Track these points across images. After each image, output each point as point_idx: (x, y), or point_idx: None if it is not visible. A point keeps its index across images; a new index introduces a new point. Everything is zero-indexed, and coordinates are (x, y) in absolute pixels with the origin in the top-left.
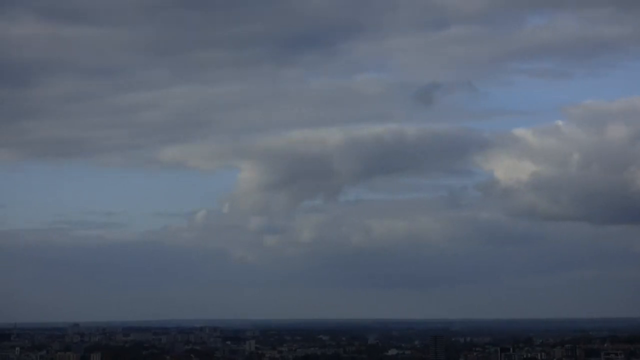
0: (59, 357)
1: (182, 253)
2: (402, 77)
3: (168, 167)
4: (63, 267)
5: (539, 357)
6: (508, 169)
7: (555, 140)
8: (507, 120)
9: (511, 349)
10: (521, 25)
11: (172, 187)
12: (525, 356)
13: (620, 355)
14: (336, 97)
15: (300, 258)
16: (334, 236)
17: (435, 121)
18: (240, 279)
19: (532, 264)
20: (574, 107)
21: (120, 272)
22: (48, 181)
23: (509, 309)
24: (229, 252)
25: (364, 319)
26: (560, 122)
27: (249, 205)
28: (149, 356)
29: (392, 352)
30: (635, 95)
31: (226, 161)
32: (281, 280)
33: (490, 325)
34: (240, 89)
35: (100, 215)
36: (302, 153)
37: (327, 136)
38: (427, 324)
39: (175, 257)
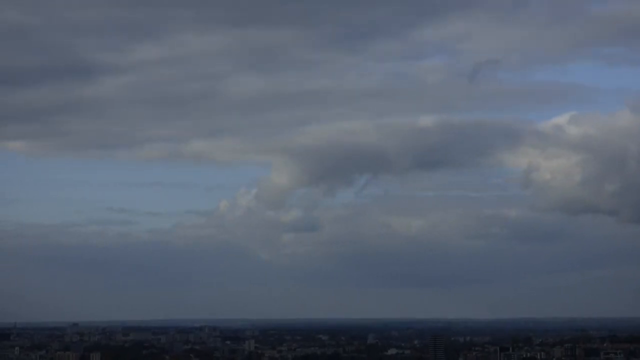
0: (59, 356)
1: (183, 253)
2: (466, 63)
3: (197, 162)
4: (63, 267)
5: (539, 357)
6: (550, 162)
7: (610, 131)
8: (565, 108)
9: (510, 349)
10: (599, 7)
11: (195, 182)
12: (524, 356)
13: (620, 354)
14: (395, 85)
15: (302, 258)
16: (344, 235)
17: (491, 111)
18: (240, 278)
19: (542, 263)
20: (637, 96)
21: (120, 271)
22: (71, 176)
23: (509, 309)
24: (231, 251)
25: (363, 319)
26: (618, 112)
27: (261, 204)
28: (148, 356)
29: (392, 351)
30: None
31: (259, 155)
32: (281, 280)
33: (489, 325)
34: (299, 78)
35: (114, 212)
36: (339, 146)
37: (370, 128)
38: (427, 324)
39: (175, 257)
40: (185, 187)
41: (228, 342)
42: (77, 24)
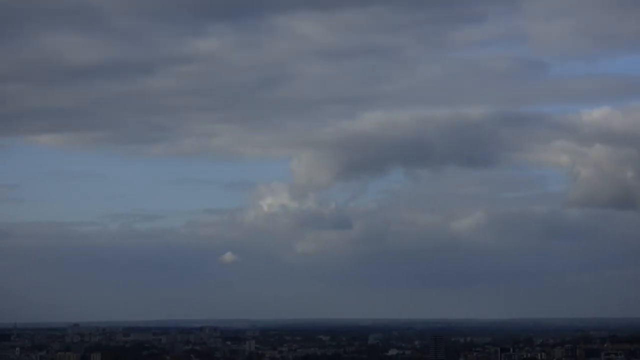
0: (59, 357)
1: (185, 252)
2: (532, 51)
3: (231, 157)
4: (63, 267)
5: (539, 357)
6: (587, 157)
7: None
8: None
9: (511, 349)
10: None
11: (224, 179)
12: (525, 356)
13: (620, 355)
14: (452, 74)
15: (307, 258)
16: (358, 233)
17: (554, 103)
18: (240, 278)
19: (556, 262)
20: None
21: (120, 271)
22: (98, 172)
23: (509, 309)
24: (235, 251)
25: (364, 319)
26: None
27: (277, 201)
28: (149, 356)
29: (392, 352)
30: None
31: (294, 150)
32: (281, 280)
33: (490, 325)
34: (367, 64)
35: (131, 210)
36: (375, 140)
37: (415, 120)
38: (428, 324)
39: (178, 257)
40: (213, 183)
41: (229, 342)
42: (148, 6)
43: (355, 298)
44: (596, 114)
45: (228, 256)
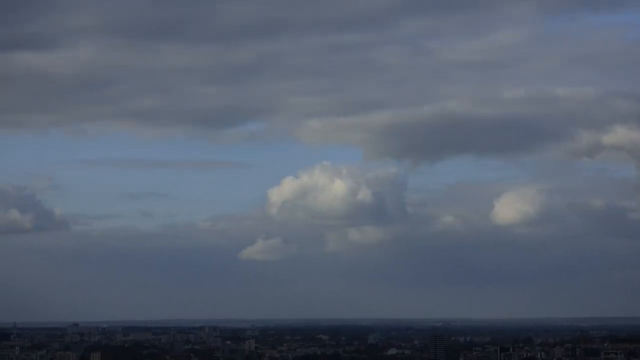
0: (59, 356)
1: (183, 252)
2: None
3: (290, 143)
4: (62, 266)
5: (539, 357)
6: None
7: None
8: None
9: (511, 349)
10: None
11: (268, 168)
12: (525, 356)
13: (620, 355)
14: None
15: (301, 257)
16: (366, 231)
17: None
18: (240, 278)
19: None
20: None
21: (119, 271)
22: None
23: (509, 309)
24: (230, 251)
25: (364, 319)
26: None
27: (288, 197)
28: (148, 356)
29: (392, 351)
30: None
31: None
32: (281, 280)
33: (490, 325)
34: (502, 41)
35: (146, 206)
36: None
37: (501, 101)
38: (427, 324)
39: (176, 256)
40: (257, 171)
41: (228, 342)
42: None
43: (355, 298)
44: None
45: (228, 255)
